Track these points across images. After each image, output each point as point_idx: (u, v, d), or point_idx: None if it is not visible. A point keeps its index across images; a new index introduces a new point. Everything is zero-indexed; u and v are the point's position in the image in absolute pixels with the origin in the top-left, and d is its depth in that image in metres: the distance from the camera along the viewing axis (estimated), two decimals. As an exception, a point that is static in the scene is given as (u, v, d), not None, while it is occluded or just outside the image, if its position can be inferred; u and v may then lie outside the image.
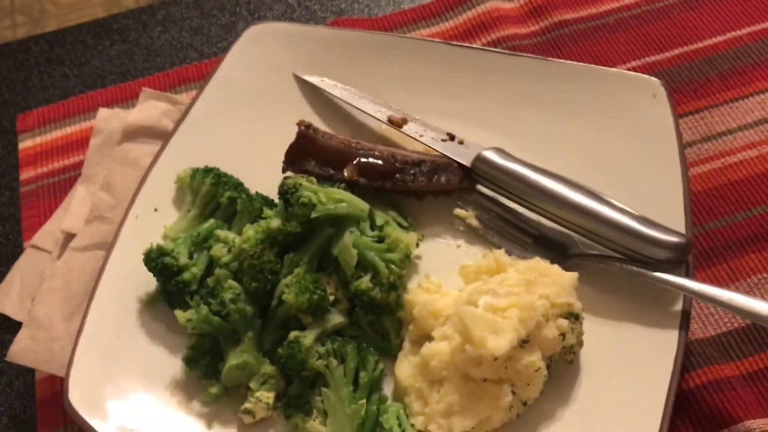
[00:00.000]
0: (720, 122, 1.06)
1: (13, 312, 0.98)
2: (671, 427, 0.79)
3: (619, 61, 1.13)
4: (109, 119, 1.11)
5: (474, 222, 0.96)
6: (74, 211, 1.03)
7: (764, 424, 0.81)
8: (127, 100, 1.18)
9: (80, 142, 1.14)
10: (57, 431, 0.91)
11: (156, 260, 0.88)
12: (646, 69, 1.11)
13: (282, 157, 0.98)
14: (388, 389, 0.86)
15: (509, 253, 0.90)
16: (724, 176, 1.01)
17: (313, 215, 0.87)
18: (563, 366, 0.85)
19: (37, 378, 0.94)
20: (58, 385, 0.91)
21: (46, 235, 1.04)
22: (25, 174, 1.12)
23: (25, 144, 1.15)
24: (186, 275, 0.88)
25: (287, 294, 0.83)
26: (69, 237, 1.01)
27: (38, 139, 1.16)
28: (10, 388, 0.96)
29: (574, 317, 0.82)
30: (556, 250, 0.92)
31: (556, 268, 0.84)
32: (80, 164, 1.10)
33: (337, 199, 0.89)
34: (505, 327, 0.77)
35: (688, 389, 0.84)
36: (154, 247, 0.89)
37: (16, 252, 1.06)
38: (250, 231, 0.87)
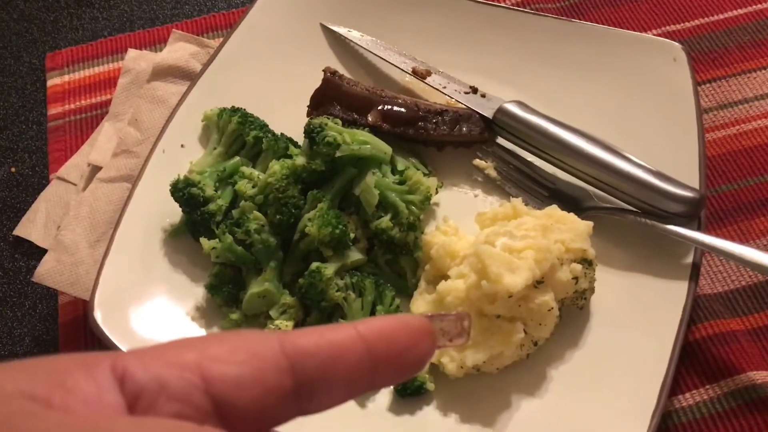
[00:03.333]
0: (737, 91, 1.07)
1: (38, 238, 1.01)
2: (676, 375, 0.81)
3: (639, 29, 1.15)
4: (137, 59, 1.13)
5: (492, 173, 0.98)
6: (101, 145, 1.05)
7: (767, 375, 0.83)
8: (156, 44, 1.20)
9: (108, 82, 1.16)
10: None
11: (183, 190, 0.90)
12: (666, 37, 1.12)
13: (306, 103, 1.00)
14: (402, 326, 0.88)
15: (525, 203, 0.92)
16: (738, 142, 1.03)
17: (338, 155, 0.88)
18: (574, 311, 0.87)
19: (60, 302, 0.96)
20: (81, 309, 0.93)
21: (72, 168, 1.06)
22: (53, 110, 1.14)
23: (54, 81, 1.17)
24: (212, 206, 0.90)
25: (310, 227, 0.85)
26: (95, 170, 1.03)
27: (66, 77, 1.17)
28: (34, 311, 0.98)
29: (587, 263, 0.84)
30: (571, 203, 0.94)
31: (572, 215, 0.86)
32: (107, 102, 1.12)
33: (361, 141, 0.91)
34: (521, 266, 0.79)
35: (694, 340, 0.87)
36: (181, 178, 0.91)
37: (42, 184, 1.08)
38: (276, 166, 0.89)
